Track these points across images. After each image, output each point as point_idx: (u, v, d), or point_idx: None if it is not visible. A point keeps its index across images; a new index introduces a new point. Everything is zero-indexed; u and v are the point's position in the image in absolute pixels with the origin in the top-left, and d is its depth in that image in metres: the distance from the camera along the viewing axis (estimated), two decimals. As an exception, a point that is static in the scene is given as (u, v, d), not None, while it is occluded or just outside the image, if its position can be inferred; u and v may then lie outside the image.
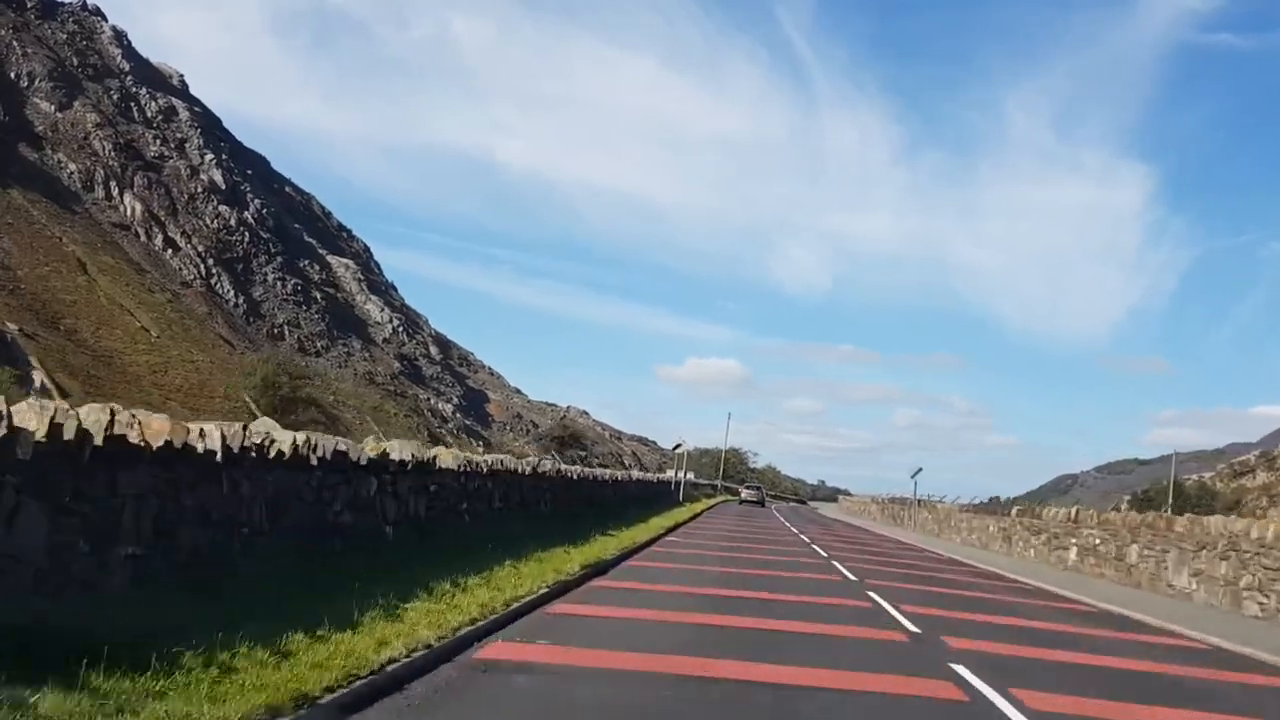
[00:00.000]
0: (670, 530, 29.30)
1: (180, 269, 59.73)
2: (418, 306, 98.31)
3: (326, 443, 11.12)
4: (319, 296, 72.56)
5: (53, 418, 6.70)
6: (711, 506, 58.01)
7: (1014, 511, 35.42)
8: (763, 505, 75.04)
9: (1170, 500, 58.47)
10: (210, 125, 75.80)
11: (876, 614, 14.12)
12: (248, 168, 77.96)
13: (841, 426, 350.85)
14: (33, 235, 47.42)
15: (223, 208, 66.87)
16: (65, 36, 66.45)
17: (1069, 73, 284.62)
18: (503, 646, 9.12)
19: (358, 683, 6.82)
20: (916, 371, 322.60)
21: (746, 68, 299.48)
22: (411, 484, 13.86)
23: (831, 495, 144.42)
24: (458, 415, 79.89)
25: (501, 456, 20.76)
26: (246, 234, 67.93)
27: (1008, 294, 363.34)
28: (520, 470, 20.75)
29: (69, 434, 6.83)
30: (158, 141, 66.44)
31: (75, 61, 65.00)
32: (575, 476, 28.96)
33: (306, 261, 76.14)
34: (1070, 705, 8.86)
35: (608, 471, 40.82)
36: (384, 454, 12.86)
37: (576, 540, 18.82)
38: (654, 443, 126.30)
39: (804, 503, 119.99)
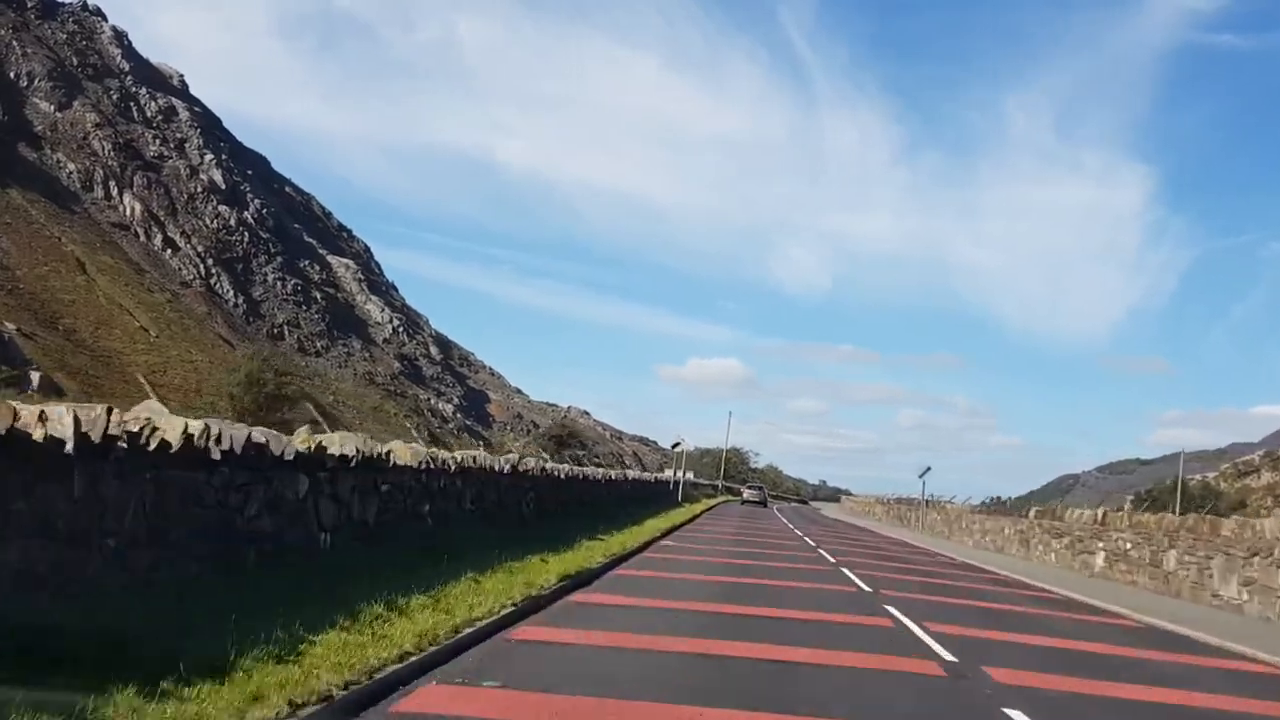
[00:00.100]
0: (666, 533, 27.31)
1: (180, 269, 59.65)
2: (418, 306, 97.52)
3: (236, 433, 9.12)
4: (319, 296, 72.32)
5: None
6: (711, 507, 55.91)
7: (1032, 513, 33.38)
8: (765, 505, 73.97)
9: (1179, 500, 56.81)
10: (210, 125, 76.16)
11: (900, 636, 12.09)
12: (248, 168, 77.97)
13: (844, 427, 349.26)
14: (32, 235, 47.54)
15: (222, 208, 67.04)
16: (65, 36, 66.74)
17: (1069, 72, 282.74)
18: (434, 693, 7.08)
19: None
20: (917, 371, 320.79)
21: (747, 68, 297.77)
22: (356, 483, 11.84)
23: (833, 495, 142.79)
24: (458, 415, 79.07)
25: (474, 453, 18.72)
26: (246, 234, 68.10)
27: (1008, 294, 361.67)
28: (497, 468, 18.71)
29: None
30: (157, 141, 66.54)
31: (75, 61, 65.27)
32: (563, 475, 26.89)
33: (306, 261, 75.97)
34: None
35: (600, 470, 38.77)
36: (319, 447, 10.85)
37: (559, 546, 16.85)
38: (655, 443, 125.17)
39: (805, 503, 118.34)
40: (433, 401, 76.74)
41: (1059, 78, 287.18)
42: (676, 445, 64.25)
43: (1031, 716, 7.95)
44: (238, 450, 9.01)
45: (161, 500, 8.00)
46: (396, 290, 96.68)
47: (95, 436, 7.10)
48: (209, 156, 69.52)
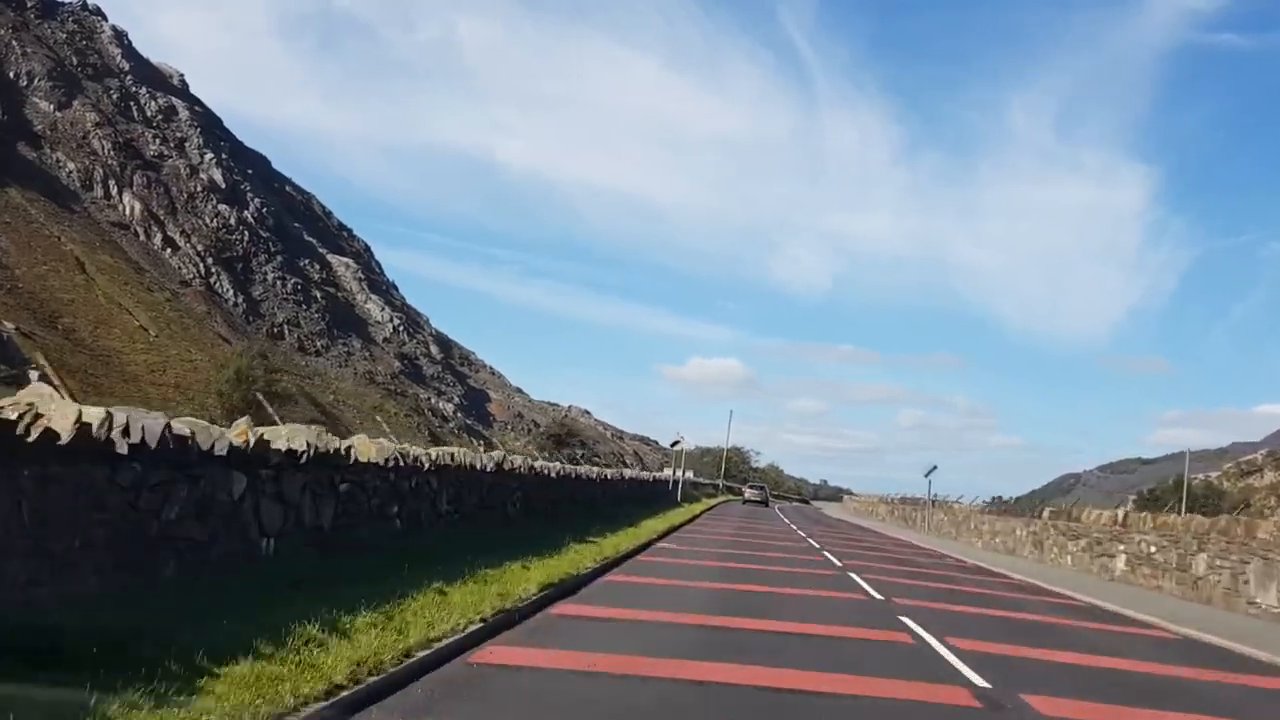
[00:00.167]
0: (663, 535, 26.01)
1: (179, 268, 59.23)
2: (418, 306, 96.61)
3: (150, 424, 7.79)
4: (319, 296, 71.88)
5: None
6: (711, 507, 54.54)
7: (1046, 513, 32.02)
8: (766, 505, 72.97)
9: (1184, 499, 55.68)
10: (210, 125, 75.72)
11: (921, 655, 10.75)
12: (248, 167, 77.69)
13: (845, 427, 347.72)
14: (31, 234, 46.94)
15: (222, 207, 66.65)
16: (65, 36, 66.10)
17: (1069, 72, 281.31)
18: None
19: None
20: (917, 371, 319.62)
21: (747, 68, 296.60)
22: (307, 482, 10.51)
23: (835, 495, 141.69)
24: (459, 415, 78.29)
25: (452, 450, 17.36)
26: (246, 233, 67.62)
27: (1008, 294, 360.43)
28: (479, 466, 17.36)
29: None
30: (157, 141, 66.11)
31: (75, 61, 64.70)
32: (554, 474, 25.52)
33: (306, 261, 75.64)
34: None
35: (595, 469, 37.40)
36: (261, 441, 9.53)
37: (545, 551, 15.56)
38: (655, 442, 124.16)
39: (807, 502, 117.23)
40: (433, 401, 75.95)
41: (1059, 78, 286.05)
42: (675, 443, 62.77)
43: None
44: (151, 443, 7.69)
45: (46, 502, 6.67)
46: (397, 290, 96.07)
47: (-48, 425, 5.79)
48: (209, 156, 69.10)
